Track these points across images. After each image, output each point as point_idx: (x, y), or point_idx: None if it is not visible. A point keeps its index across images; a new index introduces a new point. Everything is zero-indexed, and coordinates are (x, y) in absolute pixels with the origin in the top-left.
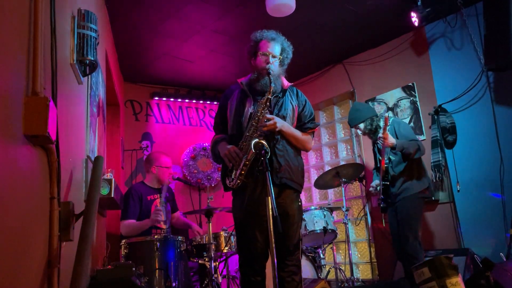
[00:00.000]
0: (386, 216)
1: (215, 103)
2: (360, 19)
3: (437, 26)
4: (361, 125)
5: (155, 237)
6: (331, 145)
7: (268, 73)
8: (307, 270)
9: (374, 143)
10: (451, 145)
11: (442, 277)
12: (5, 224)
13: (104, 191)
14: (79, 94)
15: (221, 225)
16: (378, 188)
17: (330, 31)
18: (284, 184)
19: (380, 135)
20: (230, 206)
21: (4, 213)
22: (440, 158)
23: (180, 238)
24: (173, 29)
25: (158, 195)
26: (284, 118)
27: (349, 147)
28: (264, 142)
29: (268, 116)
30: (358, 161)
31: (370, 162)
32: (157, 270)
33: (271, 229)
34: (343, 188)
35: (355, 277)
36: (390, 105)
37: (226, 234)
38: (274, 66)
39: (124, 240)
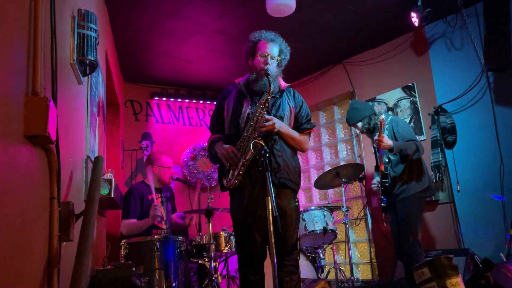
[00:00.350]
0: (387, 216)
1: (215, 103)
2: (360, 19)
3: (437, 26)
4: (359, 124)
5: (155, 237)
6: (331, 145)
7: (267, 74)
8: (307, 270)
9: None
10: (451, 145)
11: (442, 278)
12: (5, 224)
13: (104, 191)
14: (79, 94)
15: (221, 225)
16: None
17: (330, 31)
18: (282, 184)
19: (376, 137)
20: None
21: (4, 213)
22: (440, 158)
23: (180, 238)
24: (173, 29)
25: (159, 194)
26: (281, 118)
27: (349, 147)
28: (262, 143)
29: (267, 116)
30: (358, 161)
31: (370, 162)
32: (157, 270)
33: (271, 229)
34: (343, 188)
35: (355, 277)
36: (390, 105)
37: (226, 234)
38: (272, 67)
39: (124, 240)
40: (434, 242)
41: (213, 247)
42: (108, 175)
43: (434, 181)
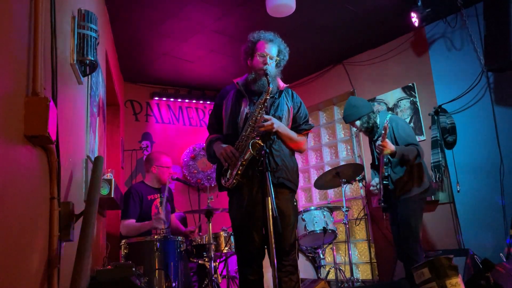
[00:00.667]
0: (387, 216)
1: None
2: (360, 19)
3: (437, 27)
4: (357, 122)
5: (155, 237)
6: (331, 145)
7: (266, 74)
8: (307, 270)
9: (371, 140)
10: (451, 145)
11: (442, 278)
12: (5, 224)
13: (104, 191)
14: (79, 94)
15: (221, 225)
16: (379, 186)
17: (330, 31)
18: (281, 184)
19: (379, 143)
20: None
21: (4, 213)
22: (440, 159)
23: (180, 238)
24: (173, 29)
25: (158, 195)
26: (280, 119)
27: (349, 147)
28: (261, 143)
29: (266, 116)
30: (358, 161)
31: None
32: (157, 270)
33: (271, 229)
34: (343, 189)
35: (355, 277)
36: (390, 106)
37: (225, 234)
38: (271, 67)
39: (124, 240)
40: (434, 242)
41: (213, 247)
42: (108, 175)
43: (434, 181)
